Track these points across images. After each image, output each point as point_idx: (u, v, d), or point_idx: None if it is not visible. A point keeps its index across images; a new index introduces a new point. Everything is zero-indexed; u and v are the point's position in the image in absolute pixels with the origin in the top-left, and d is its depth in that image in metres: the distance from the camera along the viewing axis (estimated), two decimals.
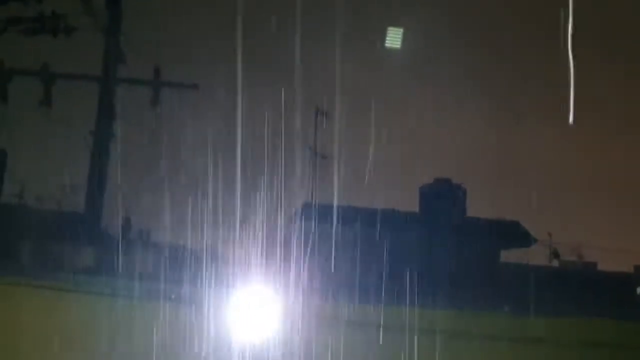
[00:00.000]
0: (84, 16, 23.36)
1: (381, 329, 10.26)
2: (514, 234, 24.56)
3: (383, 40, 19.09)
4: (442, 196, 23.17)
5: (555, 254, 25.55)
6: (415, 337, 10.04)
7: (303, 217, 15.08)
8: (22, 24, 23.38)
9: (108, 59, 23.53)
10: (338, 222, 14.48)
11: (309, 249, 11.59)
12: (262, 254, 10.40)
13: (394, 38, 19.27)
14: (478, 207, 23.86)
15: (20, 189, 23.04)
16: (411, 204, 23.55)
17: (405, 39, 18.87)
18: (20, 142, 22.47)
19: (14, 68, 23.71)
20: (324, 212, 14.87)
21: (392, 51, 19.19)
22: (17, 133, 22.83)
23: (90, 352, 7.26)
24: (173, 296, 9.68)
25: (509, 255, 24.85)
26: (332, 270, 11.44)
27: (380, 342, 8.81)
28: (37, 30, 23.49)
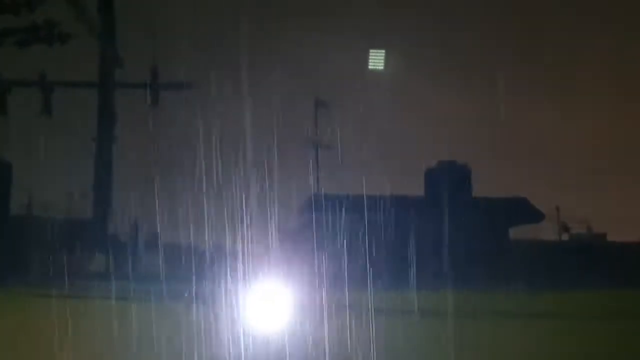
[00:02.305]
0: (78, 23, 23.33)
1: (396, 313, 10.30)
2: (522, 211, 24.58)
3: (380, 22, 19.16)
4: (448, 178, 23.18)
5: (565, 228, 25.56)
6: (431, 319, 10.07)
7: (310, 208, 15.12)
8: (17, 35, 23.35)
9: (104, 64, 23.51)
10: (345, 210, 14.49)
11: (319, 239, 11.61)
12: (272, 247, 10.42)
13: (376, 60, 19.59)
14: (484, 186, 23.88)
15: (28, 200, 23.09)
16: (418, 188, 23.57)
17: (405, 15, 18.94)
18: (24, 153, 22.51)
19: (12, 79, 23.72)
20: (331, 202, 14.88)
21: (393, 33, 19.25)
22: (20, 144, 22.86)
23: (106, 356, 7.29)
24: (186, 294, 9.72)
25: (519, 232, 24.87)
26: (344, 258, 11.46)
27: (397, 326, 8.84)
28: (31, 40, 23.47)
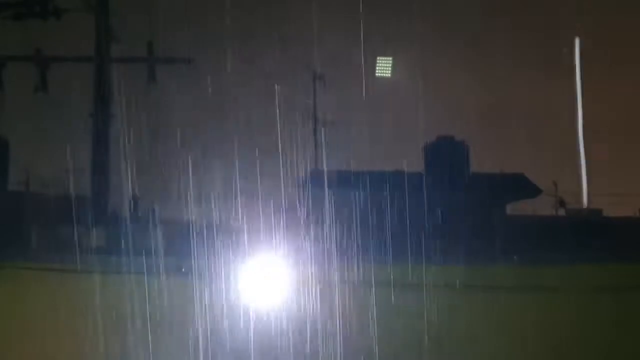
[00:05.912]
0: None
1: (396, 287, 10.37)
2: (519, 186, 24.68)
3: None
4: (446, 154, 23.28)
5: (562, 203, 25.67)
6: (430, 294, 10.15)
7: (310, 184, 15.14)
8: (9, 10, 23.18)
9: (100, 39, 23.40)
10: (345, 186, 14.54)
11: (319, 215, 11.65)
12: (272, 223, 10.47)
13: (384, 67, 19.52)
14: (481, 162, 23.92)
15: (26, 177, 23.11)
16: (416, 164, 23.62)
17: None
18: (21, 130, 22.49)
19: (6, 55, 23.59)
20: (331, 178, 14.91)
21: (389, 6, 19.12)
22: (16, 121, 22.83)
23: (106, 328, 7.34)
24: (183, 269, 9.77)
25: (516, 208, 24.99)
26: (343, 234, 11.51)
27: (396, 301, 8.91)
28: (25, 15, 23.30)
